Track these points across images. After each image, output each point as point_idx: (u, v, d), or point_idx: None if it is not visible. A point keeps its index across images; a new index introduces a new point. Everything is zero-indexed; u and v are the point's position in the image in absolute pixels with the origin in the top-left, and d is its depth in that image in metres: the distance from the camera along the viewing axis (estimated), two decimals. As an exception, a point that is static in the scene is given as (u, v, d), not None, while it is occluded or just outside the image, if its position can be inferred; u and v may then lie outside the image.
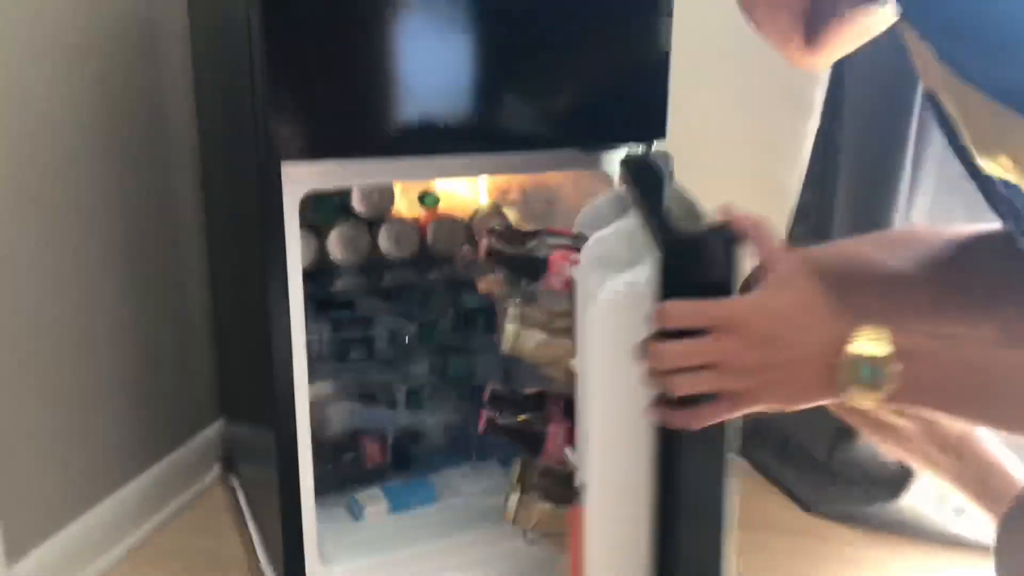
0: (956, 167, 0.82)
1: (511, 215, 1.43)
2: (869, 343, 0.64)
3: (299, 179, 1.00)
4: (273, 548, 1.20)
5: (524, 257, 1.03)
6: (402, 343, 1.32)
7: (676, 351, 0.69)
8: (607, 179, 1.19)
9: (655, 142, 1.17)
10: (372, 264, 1.32)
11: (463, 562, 1.21)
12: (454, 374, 1.47)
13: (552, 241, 1.04)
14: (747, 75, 1.48)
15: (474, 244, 1.40)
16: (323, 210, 1.27)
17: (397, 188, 1.35)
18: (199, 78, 1.39)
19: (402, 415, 1.39)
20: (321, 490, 1.22)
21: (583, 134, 1.13)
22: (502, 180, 1.43)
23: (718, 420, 0.71)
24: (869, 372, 0.64)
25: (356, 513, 1.27)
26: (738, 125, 1.68)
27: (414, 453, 1.41)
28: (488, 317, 1.39)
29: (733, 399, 0.69)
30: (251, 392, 1.28)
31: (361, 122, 1.00)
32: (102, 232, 1.25)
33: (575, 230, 1.09)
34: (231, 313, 1.38)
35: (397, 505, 1.29)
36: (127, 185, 1.30)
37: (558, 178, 1.34)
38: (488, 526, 1.24)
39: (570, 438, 1.04)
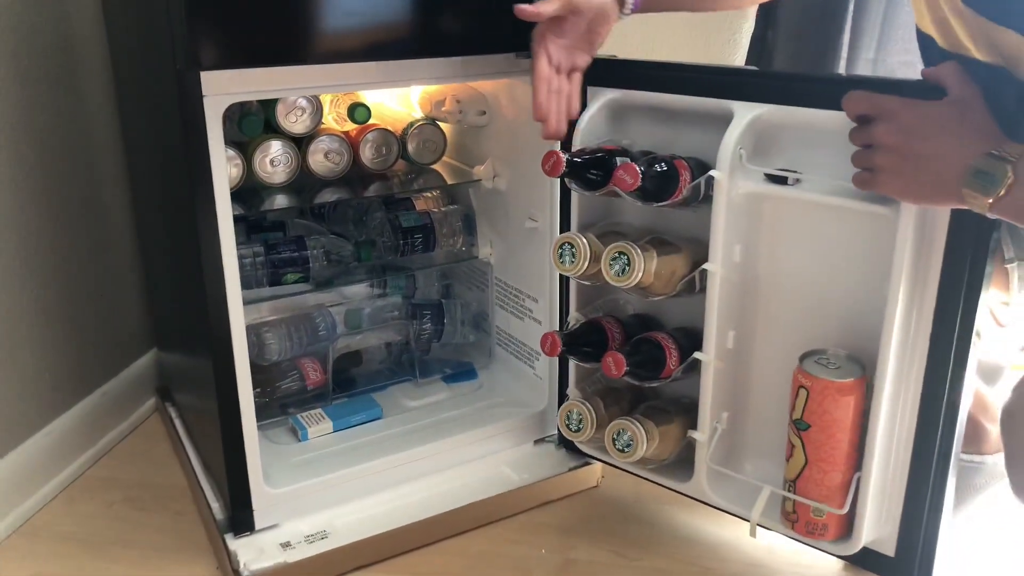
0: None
1: (445, 128, 1.39)
2: (990, 160, 0.75)
3: (220, 89, 0.94)
4: (216, 474, 1.18)
5: (665, 165, 1.00)
6: (338, 263, 1.29)
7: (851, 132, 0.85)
8: (543, 87, 1.16)
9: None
10: (303, 183, 1.28)
11: (409, 476, 1.21)
12: (393, 293, 1.45)
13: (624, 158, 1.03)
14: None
15: (407, 159, 1.37)
16: (248, 127, 1.22)
17: (325, 102, 1.30)
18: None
19: (342, 336, 1.37)
20: (263, 415, 1.21)
21: (520, 39, 1.10)
22: (435, 91, 1.38)
23: (872, 189, 0.84)
24: (983, 179, 0.75)
25: (299, 434, 1.26)
26: (678, 34, 1.66)
27: (356, 374, 1.40)
28: (426, 234, 1.36)
29: (876, 174, 0.82)
30: (184, 319, 1.24)
31: (283, 26, 0.95)
32: (12, 161, 1.18)
33: (576, 143, 1.08)
34: (158, 238, 1.33)
35: (340, 424, 1.28)
36: (36, 106, 1.22)
37: (493, 87, 1.31)
38: (434, 441, 1.24)
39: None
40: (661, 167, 0.99)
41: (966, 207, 0.78)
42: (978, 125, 0.77)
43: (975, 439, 1.21)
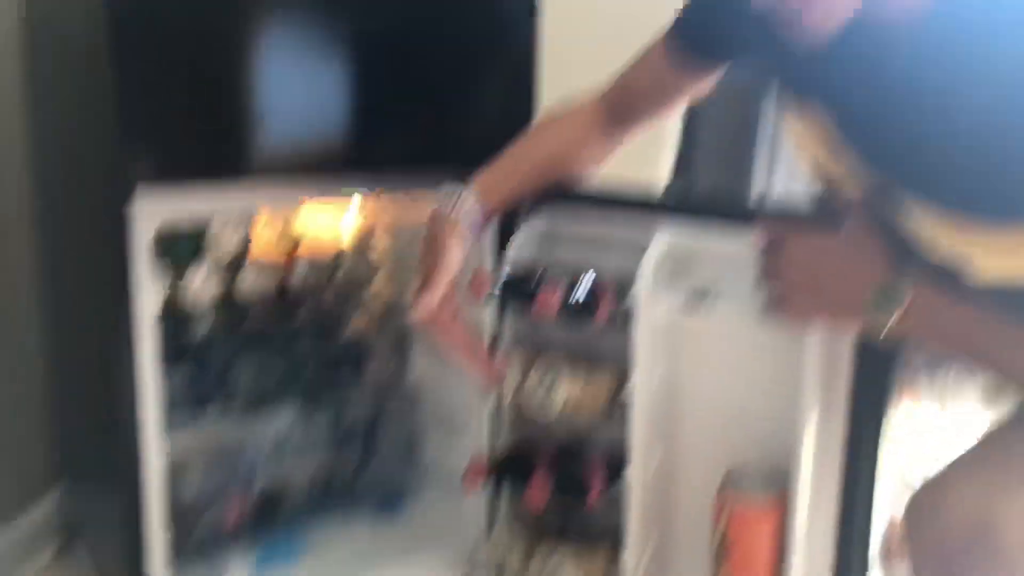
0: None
1: (379, 251, 1.40)
2: (889, 285, 0.80)
3: (152, 209, 0.93)
4: (123, 622, 1.09)
5: (587, 288, 1.01)
6: (264, 391, 1.25)
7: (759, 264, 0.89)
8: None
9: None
10: (231, 308, 1.25)
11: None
12: (320, 421, 1.41)
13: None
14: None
15: (339, 284, 1.36)
16: (178, 250, 1.19)
17: (258, 226, 1.29)
18: (37, 94, 1.29)
19: (266, 467, 1.31)
20: (179, 554, 1.13)
21: (452, 160, 1.12)
22: (369, 213, 1.39)
23: (782, 315, 0.88)
24: (886, 298, 0.79)
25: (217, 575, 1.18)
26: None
27: (280, 507, 1.33)
28: (355, 361, 1.34)
29: (784, 301, 0.87)
30: (96, 452, 1.18)
31: (218, 144, 0.96)
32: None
33: (505, 266, 1.09)
34: (73, 367, 1.27)
35: (263, 563, 1.21)
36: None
37: (429, 209, 1.32)
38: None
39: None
40: (582, 290, 1.01)
41: (872, 330, 0.82)
42: (875, 254, 0.83)
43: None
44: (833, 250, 0.85)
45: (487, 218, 1.04)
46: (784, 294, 0.87)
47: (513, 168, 1.07)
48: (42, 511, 1.38)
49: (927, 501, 0.78)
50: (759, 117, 1.55)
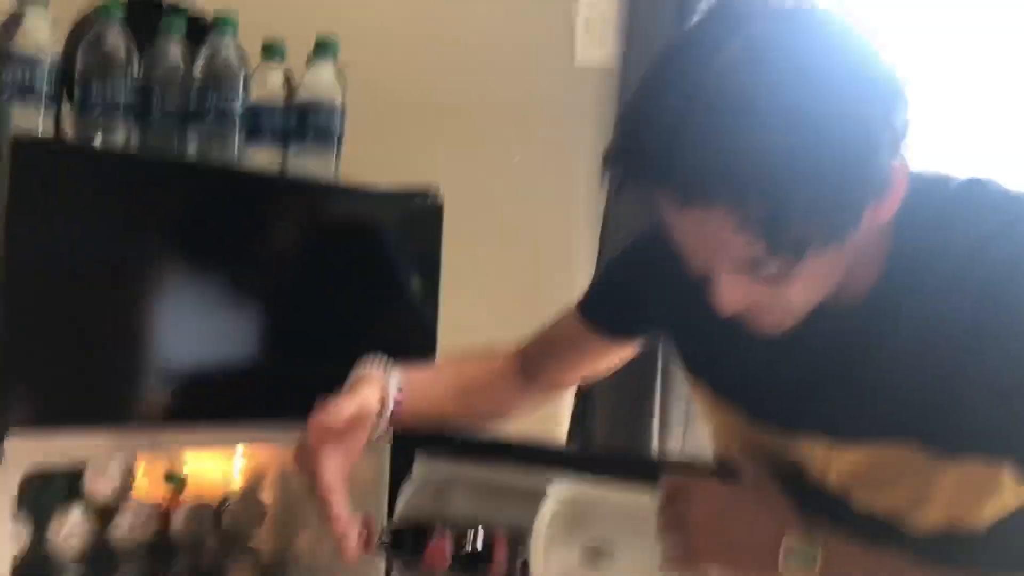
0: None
1: (267, 497, 1.34)
2: (798, 544, 0.79)
3: (24, 453, 0.89)
4: None
5: (479, 542, 0.96)
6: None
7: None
8: (374, 456, 1.17)
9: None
10: (101, 554, 1.16)
11: None
12: None
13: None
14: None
15: (220, 531, 1.29)
16: (47, 493, 1.13)
17: (139, 468, 1.24)
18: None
19: None
20: None
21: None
22: (258, 458, 1.35)
23: (689, 569, 0.85)
24: (799, 557, 0.78)
25: None
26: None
27: None
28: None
29: (691, 554, 0.84)
30: None
31: (101, 387, 0.93)
32: None
33: (396, 516, 1.06)
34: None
35: None
36: None
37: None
38: None
39: None
40: (475, 544, 0.98)
41: None
42: (776, 506, 0.83)
43: None
44: (740, 498, 0.85)
45: (396, 416, 0.96)
46: (689, 544, 0.84)
47: (432, 382, 1.03)
48: None
49: None
50: (656, 372, 1.61)
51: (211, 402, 1.01)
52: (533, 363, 1.09)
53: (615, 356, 1.09)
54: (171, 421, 0.99)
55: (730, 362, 0.92)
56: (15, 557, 1.05)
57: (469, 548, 0.97)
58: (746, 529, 0.83)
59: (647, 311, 1.01)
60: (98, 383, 0.94)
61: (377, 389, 0.94)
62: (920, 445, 0.76)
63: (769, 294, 0.73)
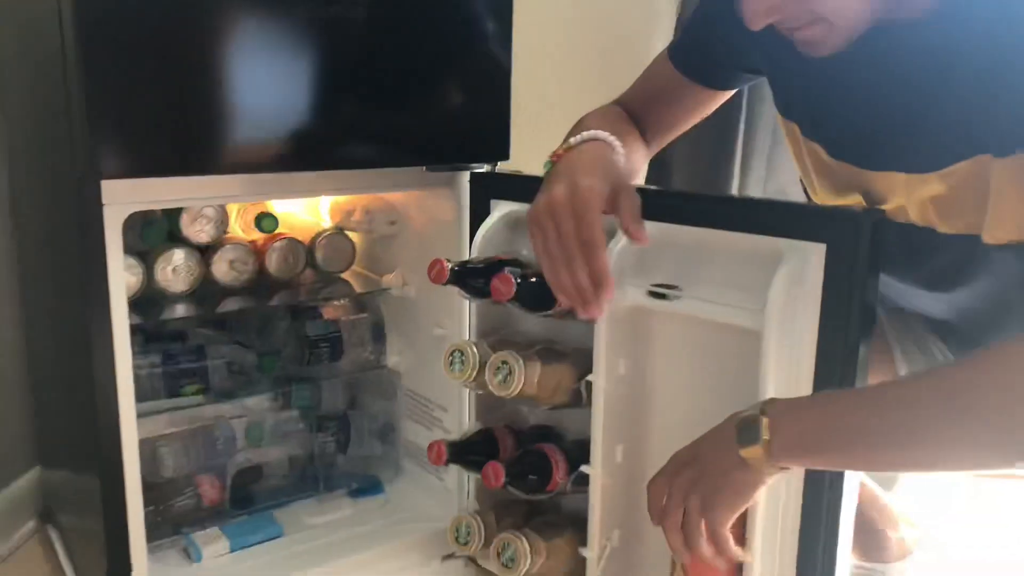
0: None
1: (354, 237, 1.40)
2: (747, 413, 0.79)
3: (120, 198, 0.93)
4: (99, 603, 1.10)
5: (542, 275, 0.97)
6: (239, 374, 1.25)
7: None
8: (452, 198, 1.19)
9: (499, 163, 1.18)
10: (206, 291, 1.25)
11: (311, 600, 1.15)
12: (297, 405, 1.41)
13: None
14: (584, 91, 1.52)
15: (316, 268, 1.36)
16: (150, 236, 1.19)
17: (232, 211, 1.29)
18: (2, 85, 1.28)
19: (242, 450, 1.32)
20: (154, 535, 1.14)
21: (427, 153, 1.12)
22: (345, 201, 1.39)
23: (705, 534, 0.81)
24: (747, 432, 0.77)
25: (193, 554, 1.19)
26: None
27: (256, 490, 1.34)
28: (332, 345, 1.34)
29: (700, 511, 0.80)
30: (72, 434, 1.17)
31: (187, 137, 0.95)
32: None
33: (474, 252, 1.08)
34: (48, 349, 1.27)
35: (238, 543, 1.21)
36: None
37: (403, 198, 1.33)
38: (337, 560, 1.19)
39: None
40: (535, 278, 0.99)
41: (757, 470, 0.79)
42: (732, 415, 0.82)
43: (876, 547, 1.23)
44: (693, 450, 0.84)
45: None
46: (691, 507, 0.82)
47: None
48: (21, 490, 1.38)
49: None
50: (739, 112, 1.56)
51: (294, 152, 1.02)
52: (636, 119, 1.06)
53: (713, 105, 1.05)
54: (258, 170, 1.01)
55: (811, 100, 0.90)
56: (131, 292, 1.14)
57: (538, 283, 1.00)
58: (710, 460, 0.82)
59: (735, 56, 0.98)
60: (187, 133, 0.95)
61: (612, 150, 0.93)
62: (993, 157, 0.75)
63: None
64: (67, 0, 0.87)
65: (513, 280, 0.96)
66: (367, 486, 1.39)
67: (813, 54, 0.81)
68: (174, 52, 0.93)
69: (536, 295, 0.99)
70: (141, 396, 1.08)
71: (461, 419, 1.25)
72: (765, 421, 0.76)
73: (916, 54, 0.79)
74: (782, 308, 0.87)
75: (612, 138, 0.94)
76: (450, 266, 1.01)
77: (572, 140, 0.94)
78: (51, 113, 1.00)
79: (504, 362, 1.00)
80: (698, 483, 0.81)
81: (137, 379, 1.02)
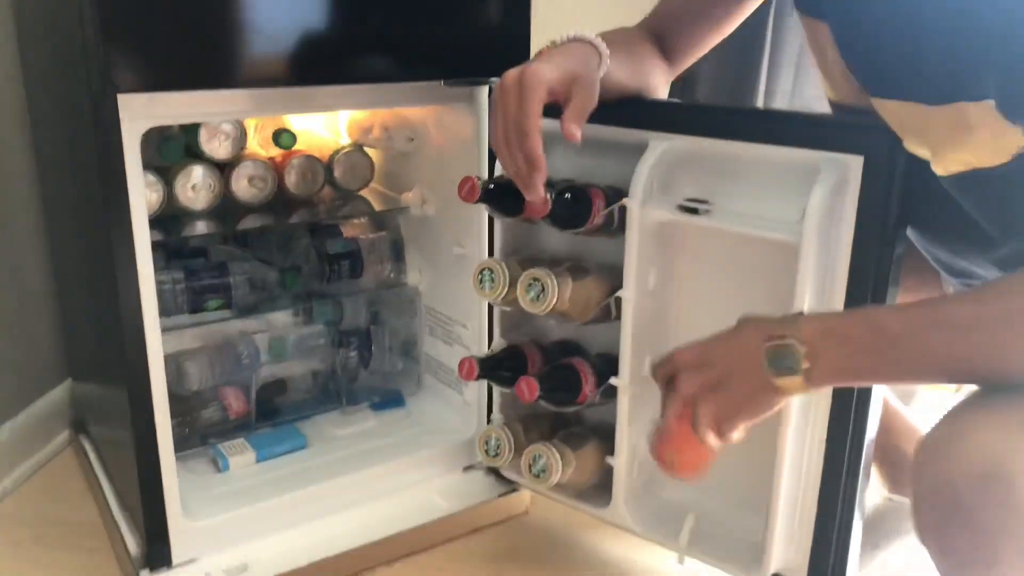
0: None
1: (373, 154, 1.39)
2: (781, 338, 0.74)
3: (138, 113, 0.92)
4: (132, 508, 1.14)
5: (576, 193, 0.99)
6: (262, 289, 1.26)
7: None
8: (472, 114, 1.17)
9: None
10: (226, 209, 1.25)
11: (335, 507, 1.19)
12: (319, 321, 1.43)
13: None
14: (604, 2, 1.49)
15: (334, 185, 1.36)
16: (168, 152, 1.19)
17: (250, 127, 1.28)
18: (16, 6, 1.27)
19: (266, 364, 1.35)
20: (182, 446, 1.17)
21: (445, 66, 1.10)
22: (363, 118, 1.38)
23: (713, 440, 0.79)
24: (782, 361, 0.73)
25: (220, 464, 1.23)
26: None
27: (280, 403, 1.37)
28: (353, 261, 1.35)
29: (714, 417, 0.78)
30: (100, 348, 1.20)
31: (204, 50, 0.94)
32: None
33: (498, 169, 1.07)
34: (74, 266, 1.29)
35: (264, 453, 1.25)
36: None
37: (421, 114, 1.31)
38: (362, 469, 1.22)
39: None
40: (572, 195, 1.00)
41: (789, 394, 0.76)
42: (753, 326, 0.79)
43: (897, 474, 1.23)
44: (715, 345, 0.80)
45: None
46: (701, 411, 0.78)
47: (615, 51, 0.95)
48: (53, 402, 1.43)
49: (941, 437, 0.74)
50: (765, 27, 1.51)
51: (312, 66, 1.01)
52: (661, 39, 1.04)
53: (738, 18, 1.02)
54: (275, 84, 1.00)
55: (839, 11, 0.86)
56: (152, 209, 1.15)
57: (570, 200, 0.99)
58: (727, 365, 0.78)
59: None
60: (203, 46, 0.94)
61: (595, 53, 0.92)
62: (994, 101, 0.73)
63: None
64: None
65: (549, 198, 0.96)
66: (389, 399, 1.42)
67: None
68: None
69: (571, 212, 0.99)
70: (165, 312, 1.10)
71: (481, 335, 1.26)
72: (803, 351, 0.72)
73: None
74: (821, 220, 0.87)
75: (599, 42, 0.92)
76: (481, 184, 1.00)
77: (557, 39, 0.93)
78: (66, 30, 0.99)
79: (536, 279, 1.01)
80: (717, 393, 0.77)
81: (160, 295, 1.04)
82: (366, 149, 1.38)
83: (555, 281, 1.00)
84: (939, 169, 0.81)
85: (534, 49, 1.15)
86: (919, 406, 1.28)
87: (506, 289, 1.04)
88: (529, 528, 1.26)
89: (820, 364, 0.72)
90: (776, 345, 0.74)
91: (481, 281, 1.06)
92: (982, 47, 0.73)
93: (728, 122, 0.96)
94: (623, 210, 1.00)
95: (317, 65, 1.01)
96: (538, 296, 1.01)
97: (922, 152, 0.82)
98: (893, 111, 0.82)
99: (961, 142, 0.77)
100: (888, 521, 1.19)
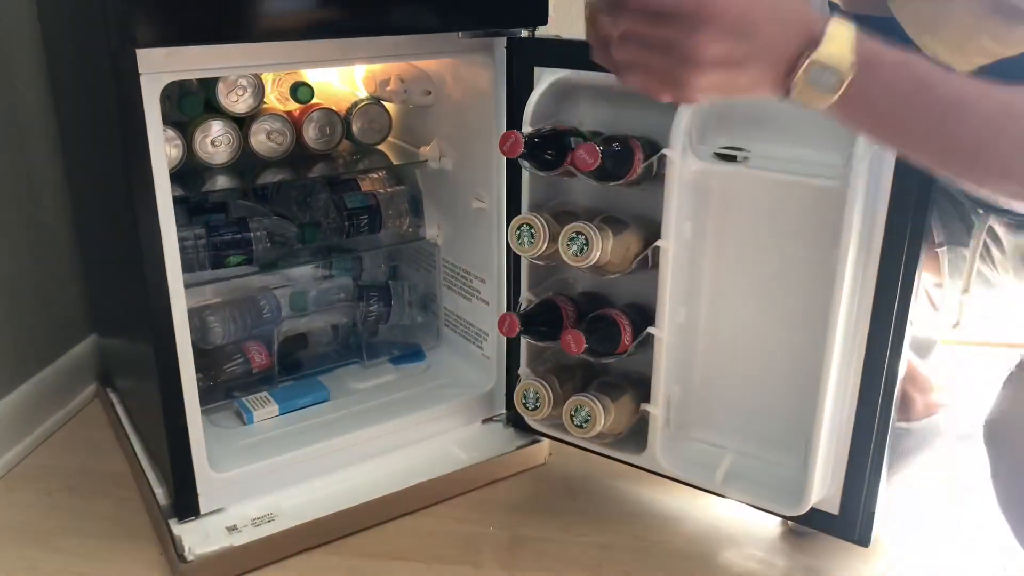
0: None
1: (390, 108, 1.38)
2: (834, 45, 0.63)
3: (157, 67, 0.92)
4: (159, 459, 1.16)
5: (621, 144, 0.98)
6: (282, 244, 1.27)
7: (639, 31, 0.64)
8: (489, 67, 1.16)
9: (537, 28, 1.14)
10: (245, 163, 1.26)
11: (357, 458, 1.21)
12: (339, 275, 1.44)
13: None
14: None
15: (352, 139, 1.35)
16: (187, 107, 1.19)
17: (267, 81, 1.28)
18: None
19: (287, 318, 1.36)
20: (207, 399, 1.19)
21: (463, 18, 1.09)
22: (379, 71, 1.37)
23: (659, 98, 0.68)
24: (826, 76, 0.64)
25: (245, 417, 1.25)
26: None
27: (302, 357, 1.39)
28: (372, 215, 1.35)
29: (679, 86, 0.65)
30: (124, 303, 1.22)
31: (221, 2, 0.93)
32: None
33: (525, 124, 1.07)
34: (96, 222, 1.30)
35: (287, 406, 1.27)
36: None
37: (438, 67, 1.30)
38: (382, 421, 1.24)
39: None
40: (617, 146, 1.00)
41: (791, 99, 0.66)
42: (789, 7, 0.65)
43: (903, 408, 1.26)
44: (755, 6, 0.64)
45: None
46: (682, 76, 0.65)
47: None
48: (79, 356, 1.45)
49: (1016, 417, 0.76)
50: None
51: (328, 18, 1.00)
52: None
53: None
54: (292, 36, 0.99)
55: None
56: (172, 164, 1.15)
57: (611, 151, 0.99)
58: (764, 31, 0.64)
59: None
60: (220, 1, 0.93)
61: None
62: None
63: None
64: None
65: (597, 149, 0.96)
66: (409, 353, 1.43)
67: None
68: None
69: (617, 164, 0.99)
70: (187, 267, 1.11)
71: (500, 289, 1.27)
72: (852, 75, 0.63)
73: None
74: (871, 163, 0.87)
75: None
76: (524, 137, 1.00)
77: None
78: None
79: (579, 233, 1.01)
80: (716, 65, 0.63)
81: (182, 250, 1.05)
82: (383, 102, 1.37)
83: (598, 234, 1.00)
84: (964, 64, 0.77)
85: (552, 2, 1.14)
86: (934, 359, 1.29)
87: (546, 244, 1.04)
88: (548, 478, 1.28)
89: (857, 99, 0.65)
90: (818, 61, 0.63)
91: (519, 237, 1.05)
92: None
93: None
94: (660, 161, 1.00)
95: (333, 18, 1.00)
96: (581, 250, 1.01)
97: (942, 52, 0.78)
98: (911, 6, 0.79)
99: (982, 28, 0.74)
100: (898, 446, 1.22)
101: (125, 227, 1.02)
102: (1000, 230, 1.02)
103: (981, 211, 1.02)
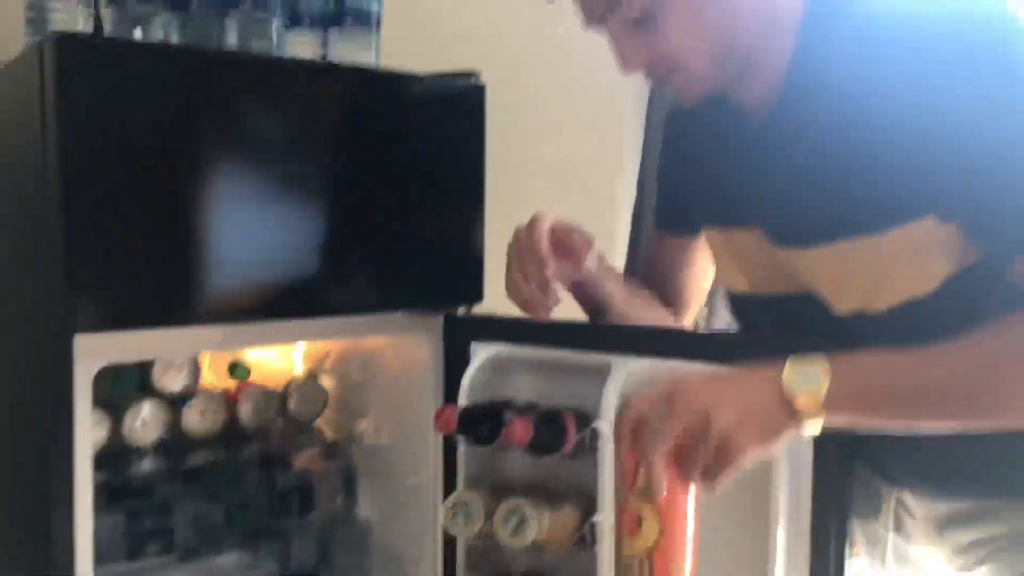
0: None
1: (328, 384, 1.38)
2: (801, 362, 0.78)
3: (94, 352, 0.91)
4: None
5: (554, 418, 0.99)
6: (206, 530, 1.20)
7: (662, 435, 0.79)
8: (427, 342, 1.18)
9: (474, 305, 1.19)
10: (175, 443, 1.21)
11: None
12: (266, 561, 1.35)
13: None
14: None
15: (286, 417, 1.33)
16: (120, 386, 1.16)
17: (204, 359, 1.27)
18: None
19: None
20: None
21: (402, 297, 1.13)
22: (318, 347, 1.38)
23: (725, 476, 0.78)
24: (806, 378, 0.76)
25: None
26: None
27: (221, 656, 1.26)
28: (304, 496, 1.30)
29: (724, 453, 0.77)
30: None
31: (166, 288, 0.94)
32: None
33: (462, 398, 1.06)
34: (11, 502, 1.21)
35: None
36: None
37: (378, 344, 1.32)
38: None
39: None
40: (550, 421, 1.00)
41: (803, 418, 0.77)
42: (765, 368, 0.80)
43: None
44: (728, 374, 0.83)
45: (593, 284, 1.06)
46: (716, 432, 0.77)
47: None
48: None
49: None
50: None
51: (271, 301, 1.02)
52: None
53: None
54: (239, 319, 1.00)
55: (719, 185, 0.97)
56: (96, 447, 1.10)
57: (545, 425, 0.98)
58: (746, 390, 0.79)
59: (698, 197, 1.03)
60: (160, 284, 0.95)
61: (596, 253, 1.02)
62: (864, 234, 0.82)
63: (651, 42, 0.84)
64: (52, 150, 0.88)
65: (529, 424, 0.96)
66: (340, 645, 1.31)
67: (684, 103, 0.93)
68: (151, 207, 0.93)
69: (550, 438, 0.98)
70: (100, 559, 1.03)
71: (434, 570, 1.20)
72: (824, 367, 0.76)
73: (774, 122, 0.89)
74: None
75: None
76: (458, 413, 1.00)
77: None
78: (26, 269, 0.99)
79: (513, 511, 0.97)
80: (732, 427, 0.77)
81: (97, 542, 0.97)
82: (321, 377, 1.37)
83: (535, 511, 0.97)
84: (880, 304, 0.85)
85: (488, 278, 1.20)
86: None
87: (481, 523, 1.00)
88: None
89: (837, 388, 0.76)
90: (794, 365, 0.77)
91: (455, 516, 1.01)
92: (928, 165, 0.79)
93: (682, 343, 1.00)
94: (593, 433, 1.00)
95: (279, 300, 1.02)
96: (517, 528, 0.97)
97: (860, 299, 0.86)
98: (831, 259, 0.86)
99: (901, 268, 0.83)
100: None
101: (36, 518, 0.95)
102: (910, 501, 1.00)
103: (886, 484, 1.01)
